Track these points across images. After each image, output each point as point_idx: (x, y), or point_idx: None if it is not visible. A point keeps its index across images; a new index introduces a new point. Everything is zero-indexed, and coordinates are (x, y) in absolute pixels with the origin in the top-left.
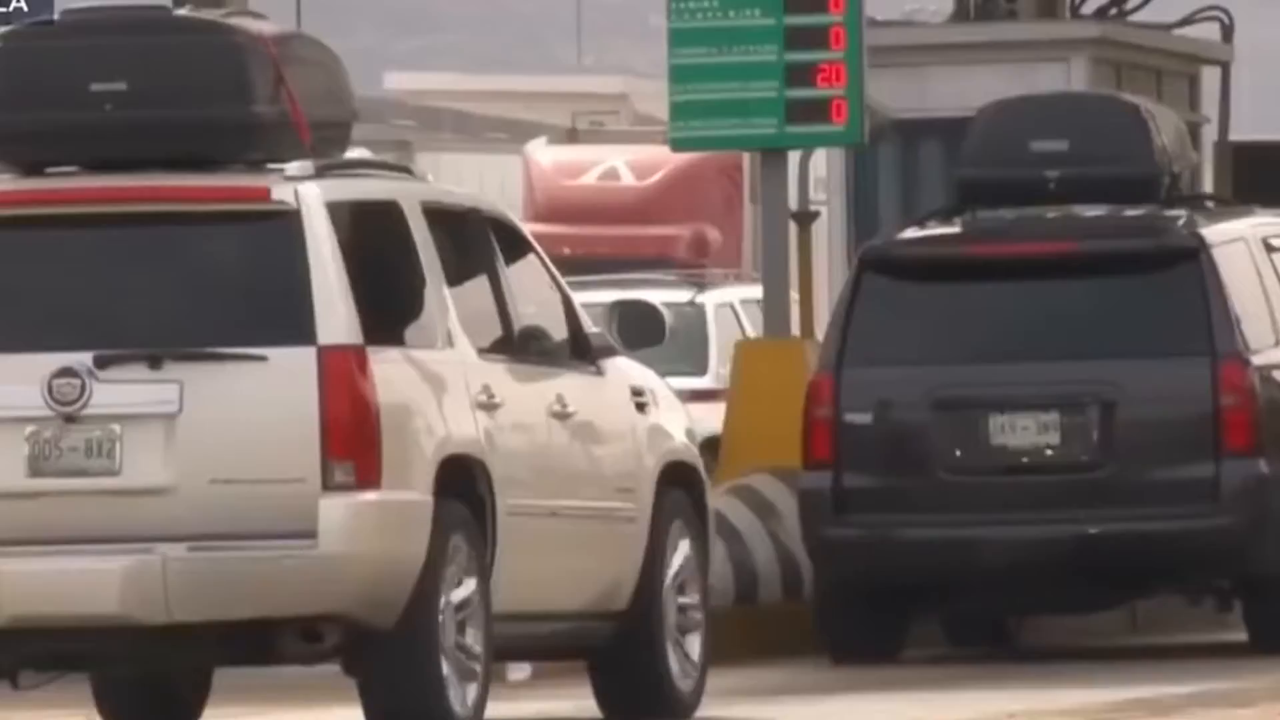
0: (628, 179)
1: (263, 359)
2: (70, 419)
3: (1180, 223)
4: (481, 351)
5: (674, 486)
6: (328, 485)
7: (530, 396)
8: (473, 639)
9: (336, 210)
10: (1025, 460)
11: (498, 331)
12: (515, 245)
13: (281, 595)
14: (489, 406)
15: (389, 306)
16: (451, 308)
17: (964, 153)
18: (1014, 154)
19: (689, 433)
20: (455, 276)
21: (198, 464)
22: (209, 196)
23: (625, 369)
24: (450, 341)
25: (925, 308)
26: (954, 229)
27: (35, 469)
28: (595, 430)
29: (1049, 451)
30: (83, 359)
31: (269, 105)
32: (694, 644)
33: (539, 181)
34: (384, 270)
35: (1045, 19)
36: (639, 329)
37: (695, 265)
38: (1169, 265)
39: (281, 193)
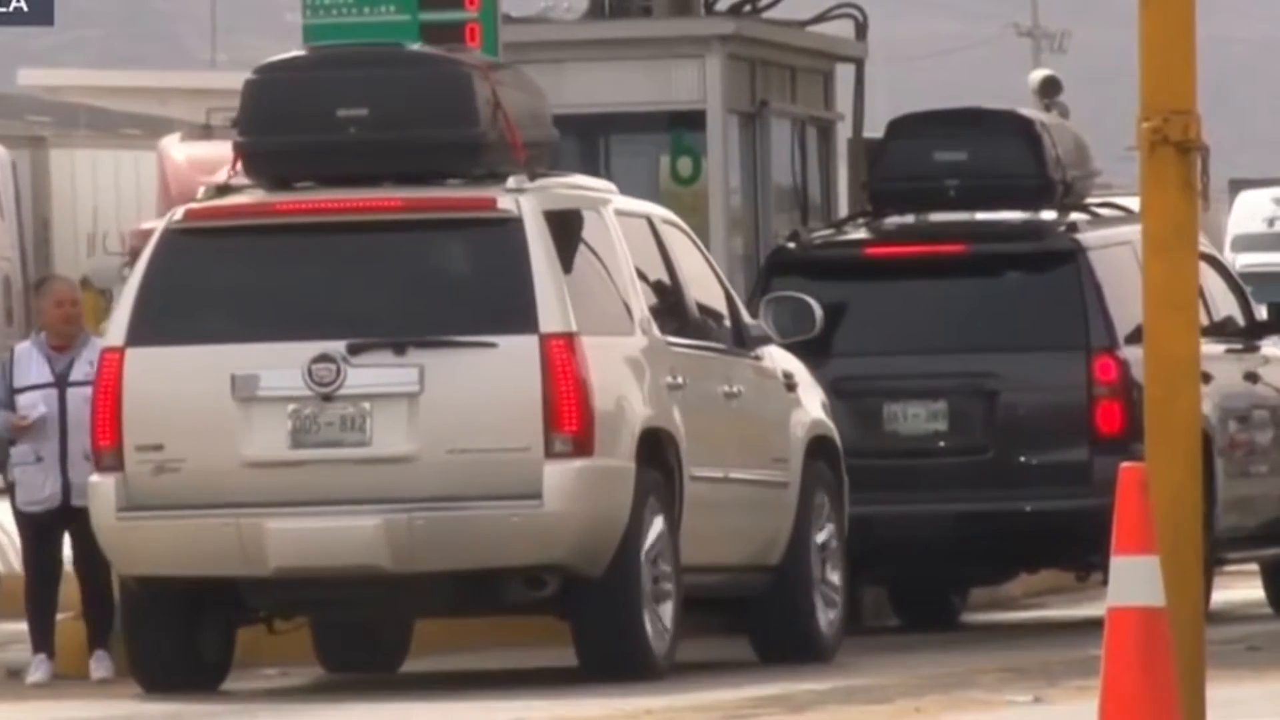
0: None
1: (493, 345)
2: (327, 398)
3: (1061, 228)
4: (667, 339)
5: (817, 458)
6: (549, 453)
7: (706, 379)
8: (665, 587)
9: (550, 217)
10: (916, 445)
11: (678, 322)
12: (686, 246)
13: (510, 548)
14: (675, 387)
15: (595, 299)
16: (644, 301)
17: (875, 162)
18: (919, 164)
19: (825, 408)
20: (643, 273)
21: (437, 436)
22: (443, 206)
23: (777, 355)
24: (644, 330)
25: (826, 305)
26: (856, 233)
27: (297, 441)
28: (757, 409)
29: (938, 437)
30: (337, 347)
31: (490, 127)
32: (832, 596)
33: (173, 177)
34: (590, 268)
35: (680, 16)
36: (793, 320)
37: None
38: (1049, 266)
39: (505, 203)
